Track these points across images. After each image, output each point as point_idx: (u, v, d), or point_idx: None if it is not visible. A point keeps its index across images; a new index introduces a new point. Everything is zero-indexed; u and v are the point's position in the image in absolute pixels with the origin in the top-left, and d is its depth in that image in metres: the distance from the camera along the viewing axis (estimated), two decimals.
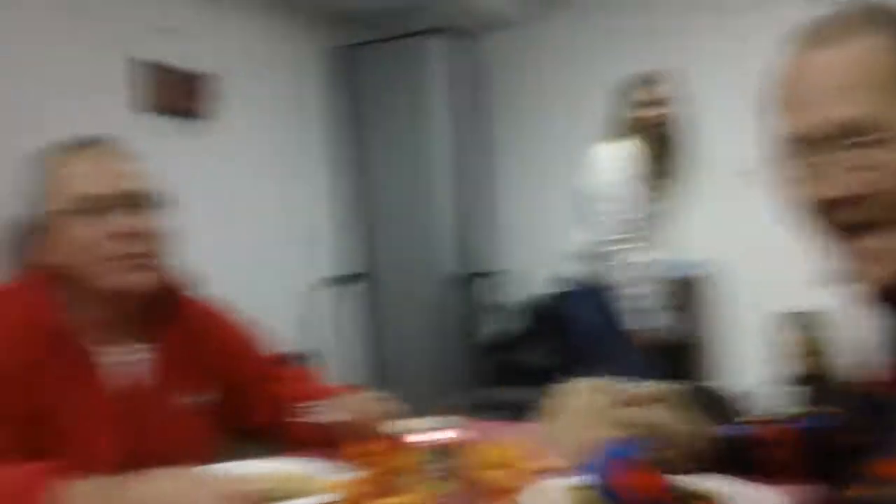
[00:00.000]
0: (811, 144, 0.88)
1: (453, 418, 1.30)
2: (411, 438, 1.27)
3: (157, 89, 3.60)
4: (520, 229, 4.93)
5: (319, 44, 4.66)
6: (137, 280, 1.39)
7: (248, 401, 1.62)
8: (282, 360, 1.73)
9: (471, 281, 4.68)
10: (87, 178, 1.38)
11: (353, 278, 4.70)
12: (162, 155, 3.53)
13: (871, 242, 0.87)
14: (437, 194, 4.62)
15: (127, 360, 1.44)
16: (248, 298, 3.65)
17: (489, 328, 4.76)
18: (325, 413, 1.49)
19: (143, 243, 1.39)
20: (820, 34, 0.89)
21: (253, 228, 4.12)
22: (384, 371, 4.71)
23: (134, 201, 1.40)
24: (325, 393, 1.59)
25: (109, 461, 1.34)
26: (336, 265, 4.66)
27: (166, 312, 1.50)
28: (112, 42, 3.46)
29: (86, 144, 1.44)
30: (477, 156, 4.88)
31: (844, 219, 0.87)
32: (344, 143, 4.77)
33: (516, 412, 1.63)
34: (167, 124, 3.69)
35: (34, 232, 1.41)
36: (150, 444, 1.41)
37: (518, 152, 4.97)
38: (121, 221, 1.36)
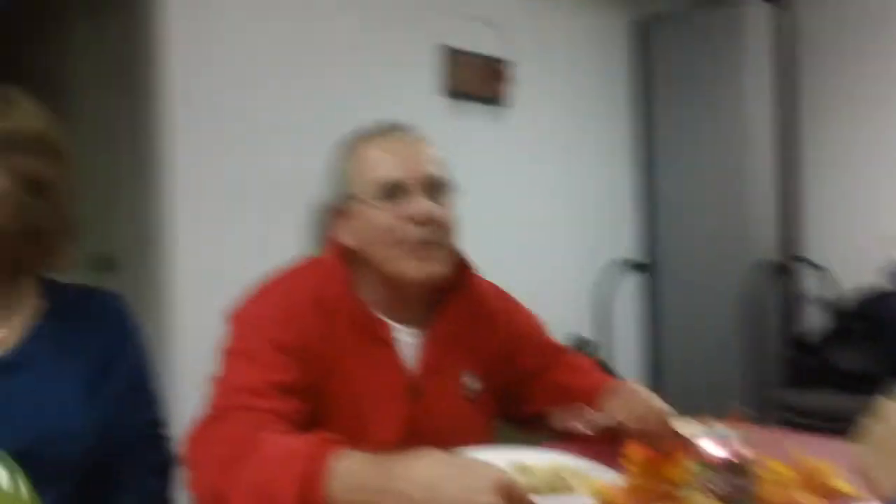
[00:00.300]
0: None
1: (742, 425, 1.18)
2: (696, 446, 1.17)
3: (461, 75, 3.70)
4: (832, 215, 4.48)
5: (621, 20, 4.53)
6: (427, 268, 1.42)
7: (527, 388, 1.61)
8: (563, 349, 1.69)
9: (780, 271, 4.32)
10: (387, 164, 1.42)
11: (637, 267, 4.52)
12: (465, 140, 3.70)
13: None
14: (753, 176, 4.26)
15: (412, 341, 1.48)
16: (533, 285, 3.69)
17: (792, 324, 4.39)
18: (598, 417, 1.42)
19: (437, 230, 1.41)
20: None
21: (543, 213, 4.11)
22: (661, 365, 4.51)
23: (432, 187, 1.42)
24: (604, 386, 1.53)
25: (389, 439, 1.38)
26: (621, 253, 4.51)
27: (451, 296, 1.52)
28: (421, 28, 3.59)
29: (387, 130, 1.49)
30: (790, 133, 4.49)
31: None
32: (639, 123, 4.61)
33: (818, 420, 1.46)
34: (471, 110, 3.78)
35: (336, 214, 1.48)
36: (427, 425, 1.43)
37: (829, 127, 4.50)
38: (418, 207, 1.39)
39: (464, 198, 1.48)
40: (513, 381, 1.60)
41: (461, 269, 1.53)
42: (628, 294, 4.51)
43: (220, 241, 2.90)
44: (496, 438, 1.58)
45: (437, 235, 1.42)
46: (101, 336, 1.35)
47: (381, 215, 1.40)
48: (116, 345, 1.36)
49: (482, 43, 3.78)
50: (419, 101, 3.57)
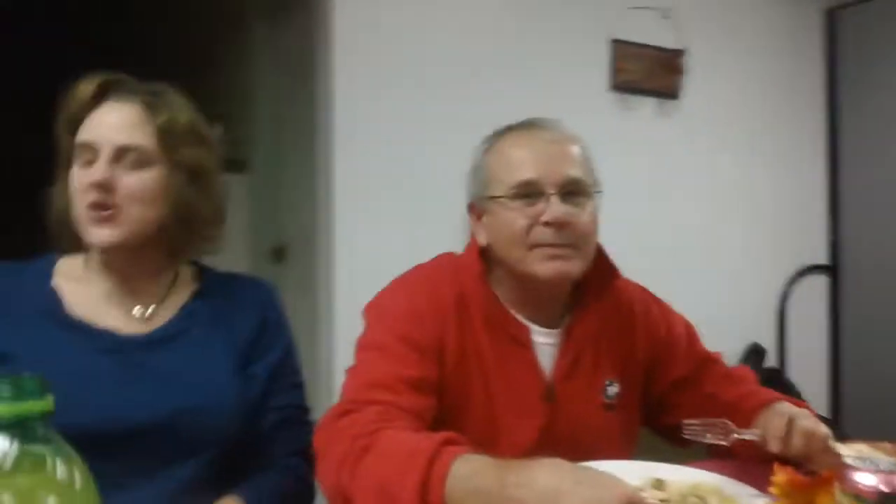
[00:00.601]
0: None
1: None
2: (851, 475, 1.06)
3: (631, 68, 3.59)
4: None
5: (808, 7, 4.24)
6: (557, 270, 1.37)
7: (672, 398, 1.53)
8: (716, 358, 1.59)
9: None
10: (524, 163, 1.38)
11: (820, 271, 4.21)
12: (634, 137, 3.59)
13: None
14: None
15: (550, 343, 1.44)
16: (707, 290, 3.52)
17: None
18: (743, 432, 1.32)
19: (570, 234, 1.36)
20: None
21: (718, 213, 3.93)
22: (842, 377, 4.17)
23: (569, 189, 1.37)
24: (757, 400, 1.42)
25: (522, 444, 1.34)
26: (803, 256, 4.22)
27: (592, 298, 1.47)
28: (590, 21, 3.52)
29: (528, 126, 1.45)
30: None
31: None
32: (825, 117, 4.30)
33: None
34: (640, 104, 3.67)
35: (474, 211, 1.46)
36: (562, 431, 1.39)
37: None
38: (551, 211, 1.35)
39: (632, 197, 1.42)
40: (658, 389, 1.53)
41: (604, 271, 1.47)
42: (809, 300, 4.22)
43: (378, 234, 2.95)
44: (640, 449, 1.51)
45: (569, 239, 1.37)
46: (249, 321, 1.41)
47: (514, 216, 1.37)
48: (263, 330, 1.42)
49: (654, 34, 3.65)
50: (586, 96, 3.50)
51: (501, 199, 1.39)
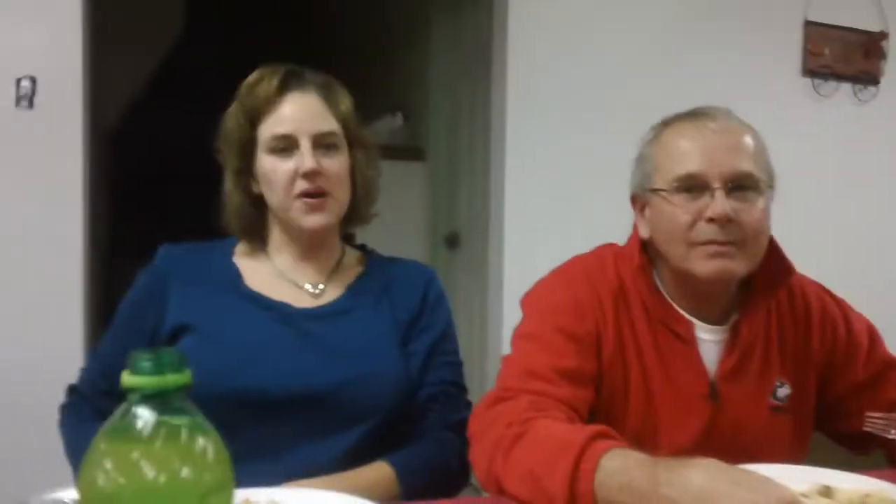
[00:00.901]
0: None
1: None
2: None
3: (826, 52, 3.38)
4: None
5: None
6: (718, 267, 1.31)
7: (849, 403, 1.43)
8: None
9: None
10: (688, 155, 1.32)
11: None
12: (828, 124, 3.38)
13: None
14: None
15: (715, 340, 1.38)
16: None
17: None
18: None
19: (735, 230, 1.29)
20: None
21: None
22: None
23: (737, 183, 1.30)
24: None
25: (682, 443, 1.30)
26: None
27: (762, 295, 1.39)
28: (781, 2, 3.34)
29: (697, 115, 1.38)
30: None
31: None
32: None
33: None
34: (836, 90, 3.44)
35: (637, 203, 1.42)
36: (725, 432, 1.33)
37: None
38: (714, 207, 1.28)
39: (822, 190, 1.34)
40: (834, 393, 1.44)
41: (777, 267, 1.39)
42: None
43: (548, 223, 2.95)
44: (810, 454, 1.42)
45: (734, 236, 1.29)
46: (410, 301, 1.47)
47: (676, 211, 1.31)
48: (422, 310, 1.47)
49: (852, 15, 3.41)
50: (776, 82, 3.32)
51: (663, 193, 1.34)
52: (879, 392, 1.42)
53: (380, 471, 1.31)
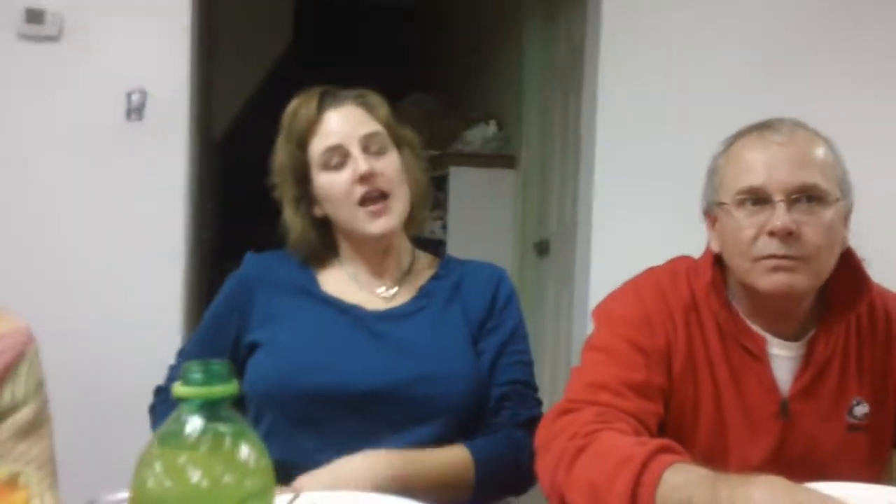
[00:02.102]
0: None
1: None
2: None
3: None
4: None
5: None
6: (781, 283, 1.29)
7: None
8: None
9: None
10: (752, 168, 1.29)
11: None
12: None
13: None
14: None
15: (789, 356, 1.36)
16: None
17: None
18: None
19: (798, 245, 1.26)
20: None
21: None
22: None
23: (801, 195, 1.28)
24: None
25: (752, 461, 1.29)
26: None
27: (839, 310, 1.36)
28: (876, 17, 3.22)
29: (765, 127, 1.36)
30: None
31: None
32: None
33: None
34: None
35: (708, 217, 1.41)
36: (798, 451, 1.31)
37: None
38: (775, 221, 1.27)
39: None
40: None
41: (856, 281, 1.36)
42: None
43: (636, 232, 2.92)
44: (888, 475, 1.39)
45: (797, 250, 1.27)
46: (481, 301, 1.49)
47: (740, 224, 1.30)
48: (492, 310, 1.49)
49: None
50: (888, 90, 3.18)
51: (728, 206, 1.33)
52: None
53: (460, 453, 1.36)
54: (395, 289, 1.49)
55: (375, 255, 1.49)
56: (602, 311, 1.42)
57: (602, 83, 2.96)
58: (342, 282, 1.49)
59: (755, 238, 1.28)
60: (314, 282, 1.49)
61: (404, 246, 1.53)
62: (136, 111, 2.63)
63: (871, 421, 1.36)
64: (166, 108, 2.66)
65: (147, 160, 2.65)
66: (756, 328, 1.35)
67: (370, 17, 5.39)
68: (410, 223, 1.51)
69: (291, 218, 1.48)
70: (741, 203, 1.30)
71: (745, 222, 1.29)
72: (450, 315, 1.47)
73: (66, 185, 2.61)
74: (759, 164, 1.29)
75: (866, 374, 1.36)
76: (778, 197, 1.27)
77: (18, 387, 1.28)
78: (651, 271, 1.45)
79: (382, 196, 1.42)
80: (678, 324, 1.35)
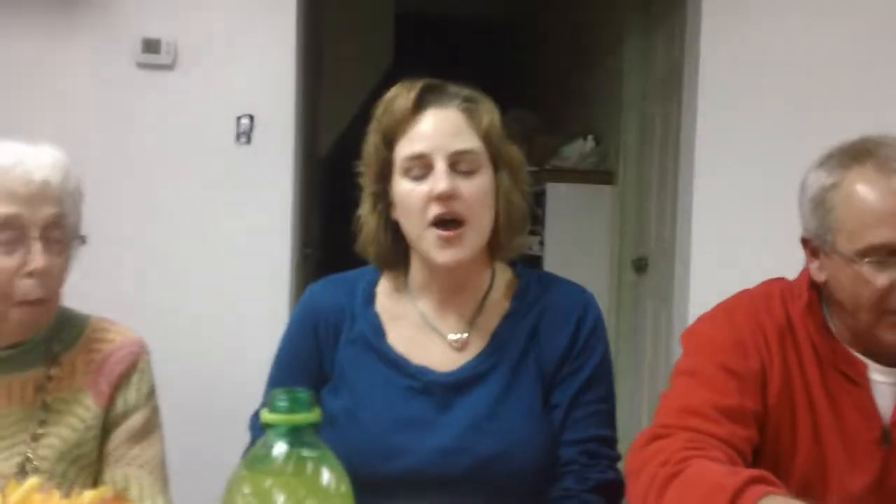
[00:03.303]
0: None
1: None
2: None
3: None
4: None
5: None
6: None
7: None
8: None
9: None
10: (884, 220, 1.20)
11: None
12: None
13: None
14: None
15: (890, 381, 1.31)
16: None
17: None
18: None
19: None
20: None
21: None
22: None
23: None
24: None
25: (855, 490, 1.26)
26: None
27: None
28: None
29: (884, 162, 1.24)
30: None
31: None
32: None
33: None
34: None
35: (811, 246, 1.35)
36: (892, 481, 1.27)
37: None
38: None
39: None
40: None
41: None
42: None
43: (735, 250, 2.88)
44: None
45: None
46: (559, 342, 1.36)
47: (865, 279, 1.23)
48: (569, 352, 1.36)
49: None
50: None
51: (850, 255, 1.23)
52: None
53: None
54: (466, 334, 1.36)
55: (448, 288, 1.37)
56: (692, 334, 1.39)
57: (702, 100, 2.94)
58: (410, 326, 1.37)
59: (885, 294, 1.22)
60: (379, 330, 1.37)
61: (481, 276, 1.38)
62: (244, 135, 2.76)
63: None
64: (273, 131, 2.78)
65: (255, 181, 2.77)
66: (855, 353, 1.31)
67: (469, 33, 5.47)
68: (500, 249, 1.36)
69: (367, 214, 1.36)
70: (869, 256, 1.22)
71: (874, 277, 1.22)
72: (524, 372, 1.34)
73: (179, 205, 2.76)
74: (890, 217, 1.20)
75: None
76: None
77: (131, 394, 1.37)
78: (744, 293, 1.41)
79: (458, 222, 1.27)
80: (773, 347, 1.30)
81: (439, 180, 1.26)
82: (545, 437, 1.32)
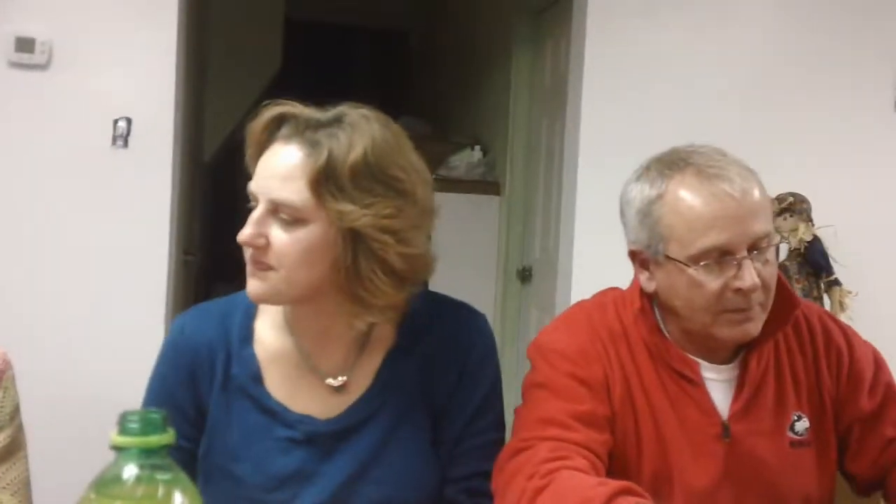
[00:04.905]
0: None
1: None
2: None
3: None
4: None
5: None
6: (744, 331, 1.29)
7: (852, 439, 1.39)
8: None
9: None
10: (710, 224, 1.24)
11: None
12: None
13: None
14: None
15: (723, 378, 1.37)
16: None
17: None
18: None
19: (761, 294, 1.27)
20: None
21: None
22: None
23: (758, 246, 1.26)
24: None
25: (700, 484, 1.30)
26: None
27: (770, 331, 1.37)
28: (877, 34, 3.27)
29: (704, 164, 1.28)
30: None
31: None
32: None
33: None
34: None
35: (637, 257, 1.39)
36: (744, 472, 1.31)
37: None
38: (745, 280, 1.24)
39: None
40: (841, 427, 1.38)
41: (783, 300, 1.38)
42: None
43: (616, 261, 2.94)
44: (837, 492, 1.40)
45: (759, 299, 1.28)
46: (447, 375, 1.30)
47: (698, 281, 1.27)
48: (458, 385, 1.30)
49: None
50: (867, 117, 3.24)
51: (681, 261, 1.28)
52: (878, 428, 1.37)
53: None
54: (345, 377, 1.26)
55: (321, 327, 1.27)
56: (538, 347, 1.39)
57: (585, 111, 3.00)
58: (289, 368, 1.27)
59: (720, 294, 1.27)
60: (258, 376, 1.26)
61: (344, 317, 1.22)
62: (120, 138, 2.67)
63: (813, 435, 1.36)
64: (152, 135, 2.70)
65: (132, 185, 2.69)
66: (688, 354, 1.35)
67: (359, 40, 5.45)
68: (361, 303, 1.21)
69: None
70: (700, 260, 1.26)
71: (707, 279, 1.27)
72: (412, 412, 1.28)
73: (53, 209, 2.65)
74: (717, 218, 1.25)
75: (803, 390, 1.36)
76: (741, 250, 1.25)
77: None
78: (581, 304, 1.44)
79: (260, 265, 1.17)
80: (610, 353, 1.34)
81: (247, 225, 1.16)
82: (434, 477, 1.27)
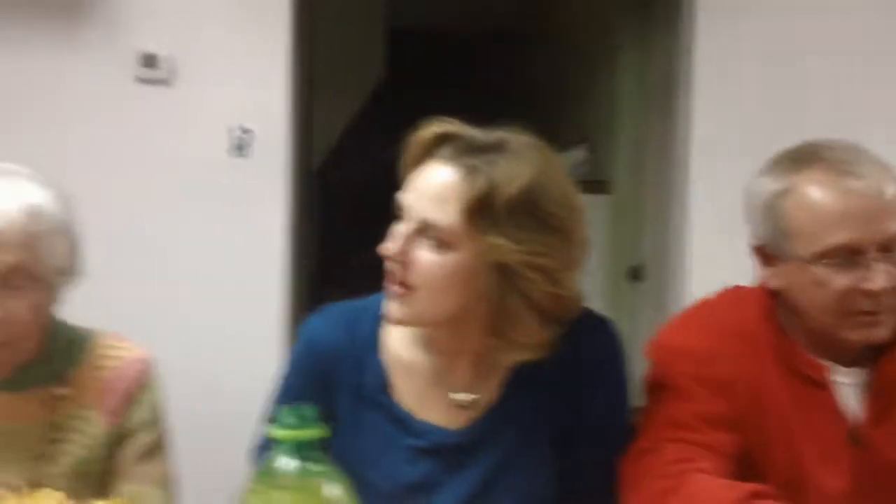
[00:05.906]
0: None
1: None
2: None
3: None
4: None
5: None
6: (871, 335, 1.26)
7: None
8: None
9: None
10: (838, 221, 1.22)
11: None
12: None
13: None
14: None
15: (854, 383, 1.32)
16: None
17: None
18: None
19: (890, 296, 1.23)
20: None
21: None
22: None
23: (888, 247, 1.22)
24: None
25: (832, 490, 1.27)
26: None
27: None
28: None
29: (837, 161, 1.25)
30: None
31: None
32: None
33: None
34: None
35: (763, 254, 1.35)
36: (876, 479, 1.28)
37: None
38: (874, 281, 1.21)
39: None
40: None
41: None
42: None
43: (733, 257, 2.87)
44: None
45: (887, 302, 1.23)
46: (569, 392, 1.26)
47: (823, 281, 1.24)
48: (583, 397, 1.27)
49: None
50: None
51: (808, 258, 1.25)
52: None
53: None
54: (472, 394, 1.26)
55: (435, 344, 1.26)
56: (660, 346, 1.39)
57: (696, 107, 2.95)
58: (418, 380, 1.27)
59: (845, 294, 1.23)
60: (385, 385, 1.26)
61: (481, 339, 1.22)
62: (238, 148, 2.77)
63: None
64: (267, 144, 2.80)
65: (249, 193, 2.79)
66: (816, 357, 1.31)
67: (461, 43, 5.47)
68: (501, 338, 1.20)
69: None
70: (827, 258, 1.23)
71: (832, 278, 1.23)
72: (537, 425, 1.26)
73: (174, 217, 2.76)
74: (846, 215, 1.22)
75: None
76: (871, 250, 1.22)
77: (139, 412, 1.38)
78: (704, 302, 1.42)
79: (400, 285, 1.17)
80: (736, 353, 1.31)
81: (392, 238, 1.16)
82: (554, 495, 1.26)
